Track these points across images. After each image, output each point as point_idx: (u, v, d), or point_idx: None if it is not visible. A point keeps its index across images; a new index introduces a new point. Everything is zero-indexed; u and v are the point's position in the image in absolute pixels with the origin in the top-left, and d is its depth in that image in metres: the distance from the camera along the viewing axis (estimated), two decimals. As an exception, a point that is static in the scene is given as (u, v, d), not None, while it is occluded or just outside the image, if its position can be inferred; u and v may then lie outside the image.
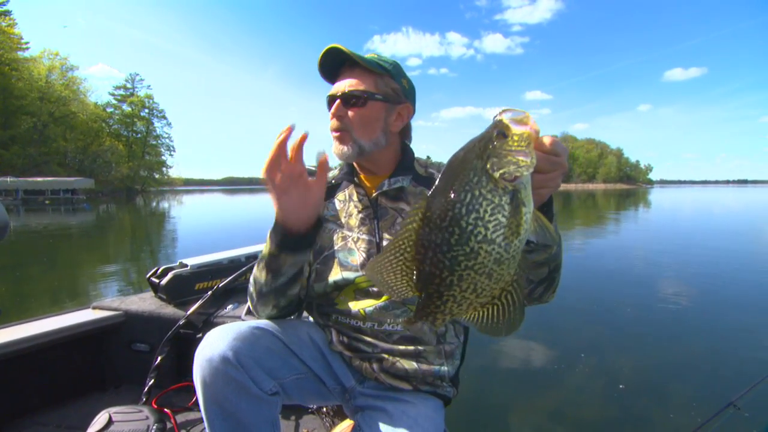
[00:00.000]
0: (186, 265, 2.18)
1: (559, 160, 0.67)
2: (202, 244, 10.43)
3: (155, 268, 2.18)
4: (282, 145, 0.89)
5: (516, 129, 0.58)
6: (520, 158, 0.58)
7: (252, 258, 2.41)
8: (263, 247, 0.99)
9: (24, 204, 33.39)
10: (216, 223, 18.20)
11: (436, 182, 0.63)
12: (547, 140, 0.65)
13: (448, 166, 0.63)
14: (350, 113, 1.08)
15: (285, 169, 0.90)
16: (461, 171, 0.60)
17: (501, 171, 0.58)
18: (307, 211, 0.94)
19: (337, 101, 1.08)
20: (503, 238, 0.59)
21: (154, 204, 36.50)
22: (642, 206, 29.63)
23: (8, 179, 36.83)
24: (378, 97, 1.09)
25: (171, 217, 22.00)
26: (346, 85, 1.08)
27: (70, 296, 6.03)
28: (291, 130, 0.89)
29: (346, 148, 1.08)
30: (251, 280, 1.07)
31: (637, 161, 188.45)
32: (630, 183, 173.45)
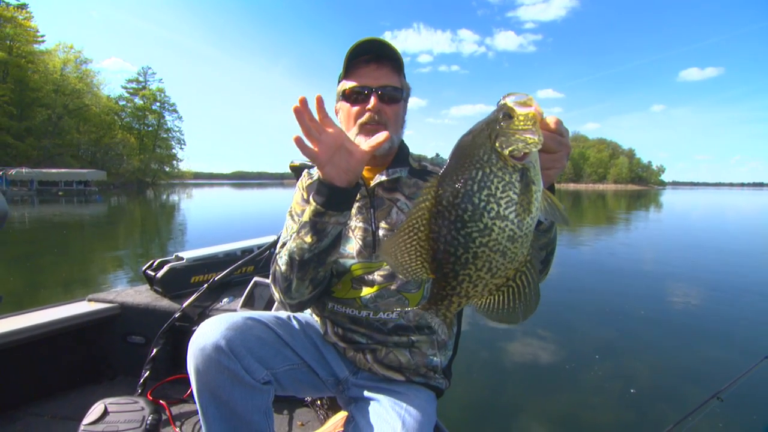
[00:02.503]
0: (182, 259, 2.19)
1: (564, 140, 0.68)
2: (210, 237, 10.55)
3: (151, 261, 2.18)
4: (306, 118, 0.86)
5: (521, 110, 0.60)
6: (528, 136, 0.59)
7: (247, 252, 2.40)
8: (306, 212, 0.98)
9: (38, 195, 33.98)
10: (224, 216, 18.37)
11: (447, 162, 0.63)
12: (551, 120, 0.66)
13: (457, 147, 0.63)
14: (386, 108, 1.08)
15: (326, 139, 0.88)
16: (471, 150, 0.61)
17: (510, 149, 0.59)
18: (349, 176, 0.91)
19: (375, 96, 1.06)
20: (515, 215, 0.59)
21: (164, 197, 36.94)
22: (654, 208, 29.26)
23: (23, 170, 37.50)
24: (404, 96, 1.13)
25: (180, 210, 22.25)
26: (383, 79, 1.08)
27: (81, 286, 6.13)
28: (305, 101, 0.86)
29: (385, 142, 1.08)
30: (283, 260, 1.02)
31: (649, 162, 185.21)
32: (641, 184, 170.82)
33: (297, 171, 1.61)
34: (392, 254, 0.65)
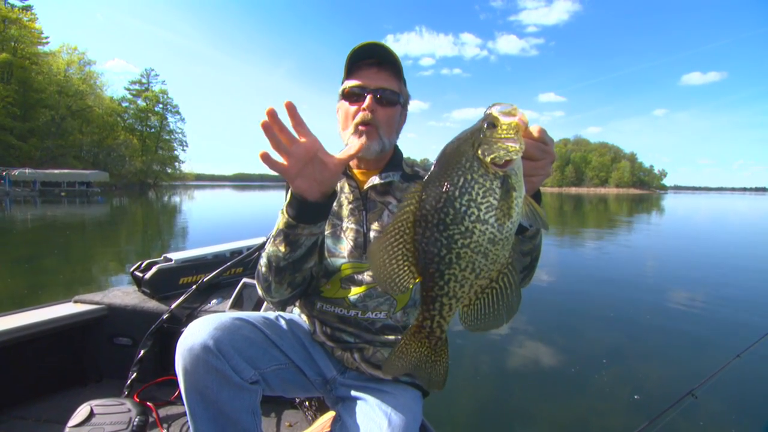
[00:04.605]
0: (170, 260, 2.19)
1: (548, 149, 0.70)
2: (211, 238, 10.55)
3: (139, 262, 2.17)
4: (276, 130, 0.81)
5: (504, 119, 0.62)
6: (509, 144, 0.61)
7: (236, 253, 2.41)
8: (277, 223, 0.98)
9: (41, 195, 34.11)
10: (225, 218, 18.40)
11: (431, 168, 0.67)
12: (535, 129, 0.69)
13: (442, 154, 0.67)
14: (380, 110, 1.11)
15: (297, 151, 0.83)
16: (455, 157, 0.64)
17: (492, 156, 0.62)
18: (322, 188, 0.89)
19: (370, 95, 1.09)
20: (495, 219, 0.62)
21: (166, 198, 37.00)
22: (656, 212, 29.24)
23: (27, 171, 37.68)
24: (401, 101, 1.16)
25: (182, 211, 22.28)
26: (381, 82, 1.11)
27: (82, 286, 6.14)
28: (273, 113, 0.79)
29: (374, 144, 1.12)
30: (263, 261, 1.05)
31: (651, 166, 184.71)
32: (643, 188, 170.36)
33: None
34: (378, 258, 0.67)
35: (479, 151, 0.62)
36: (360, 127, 1.10)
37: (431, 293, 0.68)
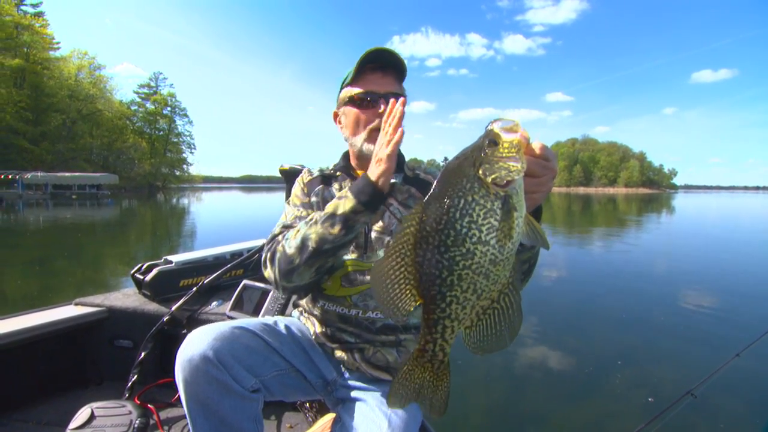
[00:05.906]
0: (171, 262, 2.18)
1: (550, 165, 0.69)
2: (219, 239, 10.61)
3: (139, 265, 2.16)
4: (396, 117, 0.96)
5: (506, 137, 0.61)
6: (511, 164, 0.61)
7: (237, 255, 2.39)
8: (338, 206, 1.00)
9: (52, 198, 34.70)
10: (233, 219, 18.56)
11: (432, 188, 0.66)
12: (537, 146, 0.67)
13: (442, 174, 0.66)
14: None
15: (399, 140, 0.96)
16: (455, 178, 0.63)
17: (493, 176, 0.61)
18: (390, 178, 1.00)
19: (384, 102, 1.10)
20: (496, 241, 0.62)
21: (174, 200, 37.45)
22: (666, 212, 28.94)
23: (39, 174, 38.37)
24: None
25: (190, 213, 22.54)
26: (388, 86, 1.13)
27: (91, 288, 6.22)
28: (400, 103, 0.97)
29: None
30: (294, 243, 1.01)
31: (661, 165, 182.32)
32: (653, 187, 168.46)
33: (286, 174, 1.63)
34: (380, 282, 0.66)
35: (480, 171, 0.62)
36: (376, 133, 1.10)
37: (433, 316, 0.67)
